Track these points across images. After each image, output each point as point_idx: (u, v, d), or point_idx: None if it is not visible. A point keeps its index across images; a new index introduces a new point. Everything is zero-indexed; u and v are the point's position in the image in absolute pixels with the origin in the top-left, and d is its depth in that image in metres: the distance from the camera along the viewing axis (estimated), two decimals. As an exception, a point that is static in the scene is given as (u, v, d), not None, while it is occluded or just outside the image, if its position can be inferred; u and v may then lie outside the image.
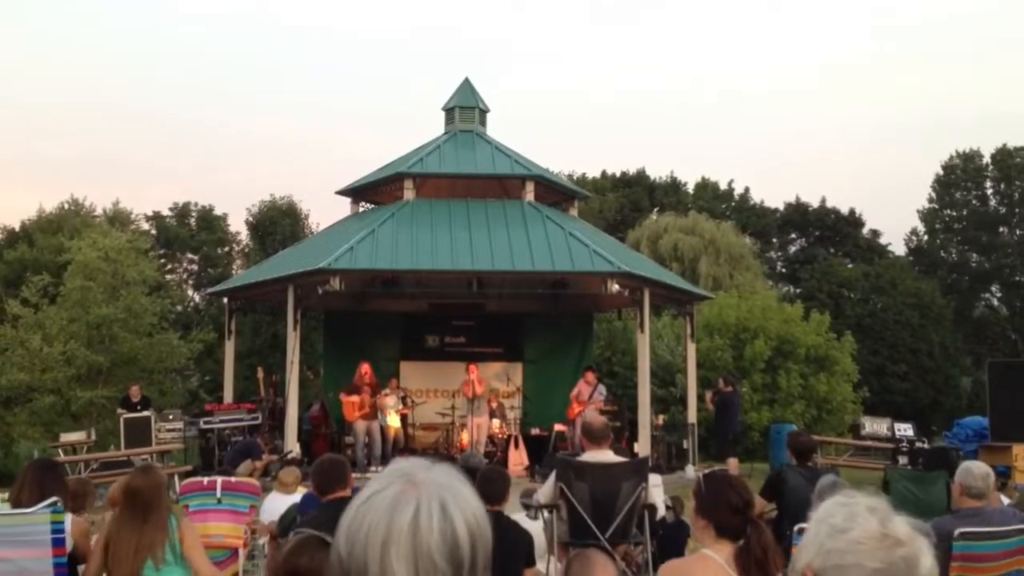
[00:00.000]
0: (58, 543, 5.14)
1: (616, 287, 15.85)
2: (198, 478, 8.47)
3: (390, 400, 16.35)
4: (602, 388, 16.93)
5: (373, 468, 15.07)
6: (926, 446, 16.50)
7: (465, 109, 20.02)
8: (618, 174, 46.75)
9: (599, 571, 3.49)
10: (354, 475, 6.09)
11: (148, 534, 5.00)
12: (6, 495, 5.65)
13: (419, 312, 19.23)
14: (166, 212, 38.41)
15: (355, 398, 15.96)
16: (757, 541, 3.54)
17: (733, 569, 3.51)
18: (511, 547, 5.62)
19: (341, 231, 18.38)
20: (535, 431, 17.49)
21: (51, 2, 73.84)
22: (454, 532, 1.29)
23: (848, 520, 1.75)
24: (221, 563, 7.05)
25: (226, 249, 38.93)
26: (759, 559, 3.48)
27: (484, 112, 20.29)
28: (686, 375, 19.56)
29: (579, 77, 79.79)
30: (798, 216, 45.40)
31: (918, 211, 44.86)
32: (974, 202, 43.68)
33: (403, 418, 16.93)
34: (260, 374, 17.74)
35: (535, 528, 7.01)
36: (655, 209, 43.73)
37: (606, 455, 7.49)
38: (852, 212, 45.14)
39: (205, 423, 16.52)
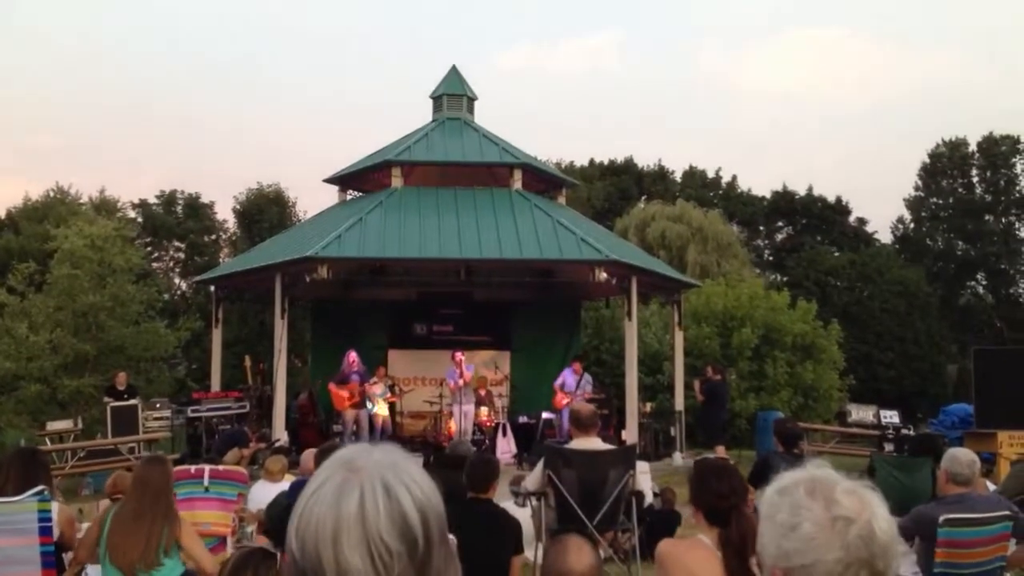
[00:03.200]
0: (45, 531, 5.14)
1: (604, 275, 15.86)
2: (186, 466, 8.45)
3: (378, 389, 16.34)
4: (589, 378, 16.93)
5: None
6: (912, 433, 16.57)
7: (453, 97, 19.98)
8: (606, 162, 46.76)
9: (573, 555, 3.51)
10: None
11: (159, 524, 4.99)
12: None
13: (407, 300, 19.21)
14: (152, 200, 38.27)
15: (345, 391, 15.96)
16: (736, 528, 3.59)
17: (721, 554, 3.59)
18: (499, 534, 5.64)
19: (329, 219, 18.35)
20: (523, 419, 17.51)
21: (35, -12, 73.27)
22: (402, 511, 1.28)
23: (793, 513, 1.68)
24: (208, 551, 7.06)
25: (213, 237, 38.80)
26: (737, 546, 3.54)
27: (472, 100, 20.26)
28: (673, 363, 19.60)
29: (567, 65, 79.67)
30: (785, 204, 45.48)
31: (904, 199, 45.04)
32: (960, 190, 43.81)
33: (391, 406, 16.93)
34: (248, 362, 17.71)
35: (523, 515, 7.03)
36: (643, 197, 43.77)
37: (594, 443, 7.52)
38: (839, 200, 45.29)
39: (193, 411, 16.50)
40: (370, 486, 1.29)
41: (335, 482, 1.31)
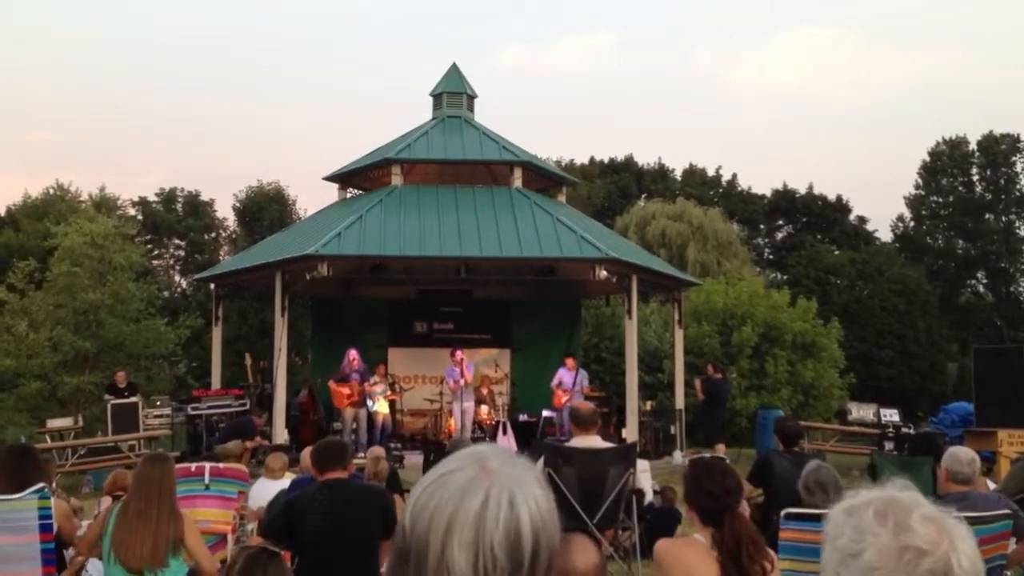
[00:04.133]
0: (45, 529, 5.13)
1: (604, 273, 15.86)
2: (186, 464, 8.45)
3: (378, 388, 16.36)
4: (584, 373, 16.92)
5: (360, 455, 15.07)
6: (912, 431, 16.60)
7: (453, 95, 19.97)
8: (606, 160, 46.74)
9: (578, 554, 3.50)
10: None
11: (165, 523, 4.98)
12: None
13: (407, 298, 19.22)
14: (152, 197, 38.23)
15: (345, 388, 15.96)
16: (730, 530, 3.59)
17: (716, 554, 3.59)
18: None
19: (329, 217, 18.34)
20: (523, 417, 17.51)
21: (36, -14, 73.27)
22: (518, 528, 1.27)
23: (857, 538, 1.46)
24: (209, 549, 7.05)
25: (213, 235, 38.76)
26: (729, 548, 3.54)
27: (472, 98, 20.25)
28: (674, 361, 19.59)
29: (567, 63, 79.66)
30: (785, 203, 45.46)
31: (904, 198, 44.97)
32: (960, 188, 43.78)
33: (391, 404, 16.94)
34: (248, 360, 17.71)
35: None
36: (643, 196, 43.77)
37: (594, 441, 7.52)
38: (839, 199, 45.27)
39: (193, 409, 16.51)
40: (497, 492, 1.28)
41: (464, 475, 1.31)
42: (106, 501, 7.50)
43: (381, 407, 16.35)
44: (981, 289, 44.74)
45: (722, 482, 3.83)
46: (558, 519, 1.34)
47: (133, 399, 16.80)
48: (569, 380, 16.28)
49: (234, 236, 37.53)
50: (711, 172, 47.09)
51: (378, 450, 9.04)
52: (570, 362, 16.79)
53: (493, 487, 1.29)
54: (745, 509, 4.10)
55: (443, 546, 1.25)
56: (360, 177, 19.74)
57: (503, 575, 1.26)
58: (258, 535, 5.84)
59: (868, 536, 1.46)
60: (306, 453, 8.05)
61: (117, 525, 4.98)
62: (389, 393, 16.72)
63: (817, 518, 4.32)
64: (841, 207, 45.26)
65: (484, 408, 16.94)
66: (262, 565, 3.81)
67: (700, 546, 3.67)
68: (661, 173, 46.99)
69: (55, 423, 17.58)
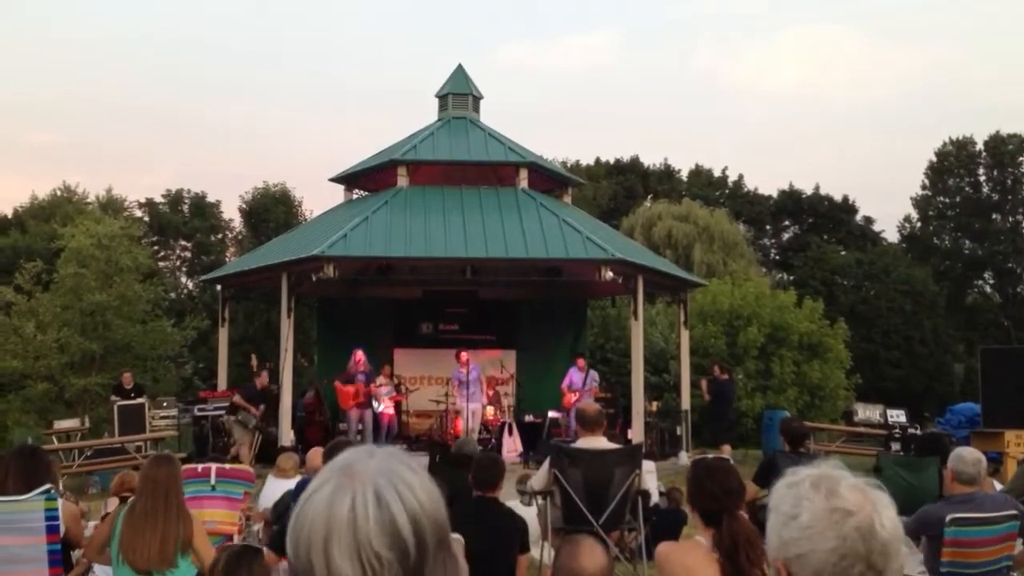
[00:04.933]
0: (52, 530, 5.14)
1: (610, 274, 15.85)
2: (192, 465, 8.47)
3: (383, 389, 16.39)
4: (594, 374, 16.95)
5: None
6: (918, 432, 16.56)
7: (458, 96, 19.98)
8: (612, 161, 46.76)
9: (586, 556, 3.51)
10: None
11: (172, 524, 4.98)
12: None
13: (413, 299, 19.21)
14: (159, 199, 38.36)
15: (350, 389, 15.97)
16: (728, 531, 3.57)
17: (718, 555, 3.58)
18: (505, 533, 5.64)
19: (335, 218, 18.36)
20: (529, 418, 17.51)
21: (42, -12, 73.44)
22: (392, 519, 1.27)
23: (795, 504, 1.71)
24: (215, 550, 7.07)
25: (219, 236, 38.87)
26: (727, 550, 3.53)
27: (477, 99, 20.25)
28: (679, 362, 19.58)
29: (571, 63, 79.65)
30: (791, 203, 45.44)
31: (911, 198, 44.95)
32: (967, 189, 43.72)
33: (397, 405, 16.96)
34: (254, 361, 17.73)
35: (529, 514, 7.03)
36: (649, 196, 43.76)
37: (600, 442, 7.52)
38: (845, 199, 45.24)
39: (199, 410, 16.54)
40: (362, 493, 1.29)
41: (330, 487, 1.31)
42: (113, 502, 7.51)
43: (387, 408, 16.40)
44: (988, 289, 44.69)
45: (723, 483, 3.81)
46: (441, 499, 1.34)
47: (140, 400, 16.82)
48: (579, 380, 16.31)
49: (240, 237, 37.61)
50: (717, 173, 47.13)
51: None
52: (580, 362, 16.81)
53: (358, 488, 1.29)
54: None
55: (327, 561, 1.26)
56: (366, 178, 19.75)
57: (392, 568, 1.26)
58: (265, 546, 5.83)
59: (804, 501, 1.70)
60: (312, 454, 8.06)
61: (124, 527, 4.98)
62: (394, 394, 16.76)
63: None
64: (847, 207, 45.23)
65: (490, 409, 16.95)
66: (246, 563, 3.81)
67: (701, 548, 3.66)
68: (667, 174, 46.98)
69: (62, 424, 17.62)
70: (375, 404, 16.21)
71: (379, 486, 1.30)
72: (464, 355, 16.11)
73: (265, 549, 5.03)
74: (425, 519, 1.30)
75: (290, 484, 7.83)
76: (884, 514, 1.67)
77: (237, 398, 15.64)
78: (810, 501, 1.69)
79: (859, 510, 1.66)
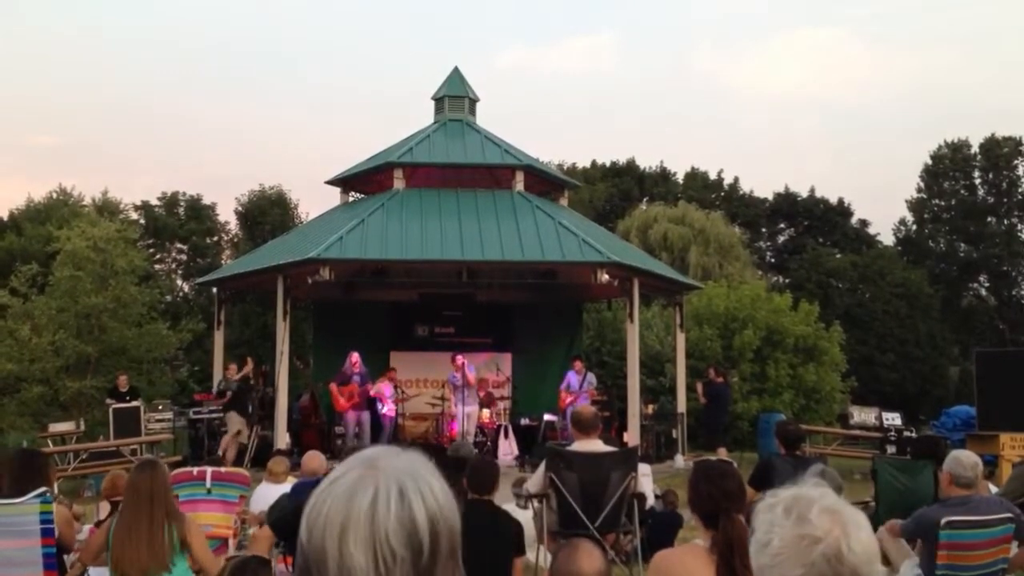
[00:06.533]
0: (47, 533, 5.14)
1: (606, 277, 15.86)
2: (188, 468, 8.46)
3: (388, 390, 16.51)
4: (591, 376, 16.96)
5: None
6: (914, 435, 16.57)
7: (455, 98, 19.99)
8: (608, 164, 46.76)
9: (584, 559, 3.51)
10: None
11: (159, 528, 4.95)
12: None
13: (409, 302, 19.21)
14: (155, 201, 38.27)
15: (344, 391, 15.98)
16: (723, 534, 3.58)
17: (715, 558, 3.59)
18: (501, 536, 5.64)
19: (331, 221, 18.36)
20: (525, 421, 17.52)
21: (38, -10, 73.37)
22: (412, 517, 1.28)
23: (767, 531, 1.73)
24: (212, 552, 7.06)
25: (215, 239, 38.81)
26: (723, 552, 3.53)
27: (473, 101, 20.27)
28: (675, 365, 19.60)
29: (567, 66, 79.69)
30: (787, 206, 45.47)
31: (906, 201, 44.99)
32: (962, 192, 43.78)
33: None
34: (250, 364, 17.72)
35: (525, 517, 7.03)
36: (645, 199, 43.77)
37: (595, 445, 7.52)
38: (841, 202, 45.27)
39: (195, 413, 16.54)
40: (385, 487, 1.30)
41: (352, 477, 1.33)
42: (105, 507, 7.49)
43: (390, 411, 16.49)
44: (983, 292, 44.74)
45: (720, 485, 3.82)
46: (456, 505, 1.36)
47: (135, 403, 16.79)
48: (576, 382, 16.34)
49: (236, 240, 37.54)
50: (713, 175, 47.13)
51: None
52: (578, 364, 16.83)
53: (381, 483, 1.31)
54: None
55: (340, 549, 1.27)
56: (362, 181, 19.76)
57: (404, 565, 1.27)
58: (267, 524, 5.81)
59: (775, 528, 1.72)
60: (308, 457, 8.06)
61: (113, 539, 4.97)
62: (396, 397, 16.83)
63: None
64: (843, 210, 45.27)
65: (486, 412, 16.95)
66: (251, 571, 3.81)
67: (699, 551, 3.66)
68: (663, 176, 47.00)
69: (57, 427, 17.58)
70: (379, 405, 16.27)
71: (403, 484, 1.31)
72: (459, 359, 16.12)
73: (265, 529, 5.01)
74: (443, 524, 1.32)
75: (283, 488, 7.82)
76: (853, 537, 1.67)
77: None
78: (780, 527, 1.71)
79: (826, 536, 1.66)
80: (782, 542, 1.69)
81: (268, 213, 34.59)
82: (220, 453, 14.47)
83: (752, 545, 1.77)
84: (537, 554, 7.46)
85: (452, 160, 18.57)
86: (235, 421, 15.66)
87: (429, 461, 1.40)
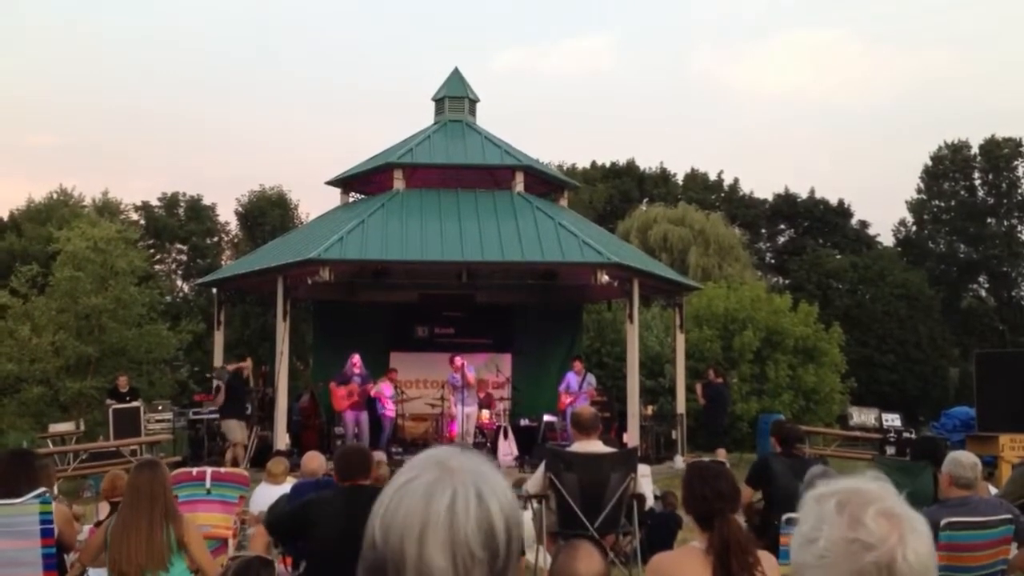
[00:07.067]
0: (47, 533, 5.14)
1: (606, 278, 15.86)
2: (187, 468, 8.46)
3: (388, 390, 16.51)
4: (591, 377, 16.96)
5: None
6: (913, 436, 16.58)
7: (455, 99, 19.99)
8: (608, 165, 46.76)
9: (584, 560, 3.52)
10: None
11: (158, 528, 4.95)
12: None
13: (409, 303, 19.20)
14: (155, 202, 38.29)
15: (344, 391, 15.98)
16: (719, 535, 3.58)
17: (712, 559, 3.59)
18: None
19: (331, 221, 18.36)
20: (524, 422, 17.52)
21: (38, -9, 73.38)
22: (490, 519, 1.30)
23: (816, 527, 1.55)
24: (210, 553, 7.06)
25: (215, 239, 38.82)
26: (719, 554, 3.53)
27: (473, 102, 20.27)
28: (675, 366, 19.59)
29: (567, 67, 79.70)
30: (787, 207, 45.46)
31: (906, 202, 45.03)
32: (962, 193, 43.80)
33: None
34: (249, 365, 17.71)
35: (524, 518, 7.03)
36: (645, 200, 43.76)
37: (595, 445, 7.52)
38: (841, 203, 45.26)
39: (195, 414, 16.54)
40: (463, 489, 1.31)
41: (427, 479, 1.33)
42: (104, 508, 7.49)
43: (389, 411, 16.50)
44: (983, 294, 44.78)
45: (714, 486, 3.82)
46: (519, 506, 1.38)
47: (135, 404, 16.80)
48: (575, 383, 16.34)
49: (236, 240, 37.56)
50: (713, 176, 47.13)
51: (379, 455, 9.05)
52: (578, 365, 16.83)
53: (458, 485, 1.32)
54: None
55: (420, 551, 1.28)
56: (362, 182, 19.77)
57: (482, 567, 1.29)
58: (263, 525, 5.81)
59: (824, 526, 1.53)
60: (308, 457, 8.06)
61: (111, 538, 4.97)
62: (396, 399, 16.84)
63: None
64: (843, 211, 45.26)
65: (485, 413, 16.96)
66: (254, 572, 3.81)
67: (695, 553, 3.66)
68: (663, 177, 46.98)
69: (57, 428, 17.59)
70: (379, 406, 16.29)
71: (479, 486, 1.32)
72: (459, 360, 16.12)
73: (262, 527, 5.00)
74: (514, 524, 1.34)
75: (282, 489, 7.81)
76: (911, 546, 1.50)
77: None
78: (830, 526, 1.53)
79: (881, 544, 1.49)
80: (829, 543, 1.51)
81: (268, 214, 34.61)
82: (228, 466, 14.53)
83: (795, 538, 1.60)
84: (536, 555, 7.46)
85: (452, 161, 18.57)
86: (234, 429, 15.31)
87: (494, 463, 1.41)
